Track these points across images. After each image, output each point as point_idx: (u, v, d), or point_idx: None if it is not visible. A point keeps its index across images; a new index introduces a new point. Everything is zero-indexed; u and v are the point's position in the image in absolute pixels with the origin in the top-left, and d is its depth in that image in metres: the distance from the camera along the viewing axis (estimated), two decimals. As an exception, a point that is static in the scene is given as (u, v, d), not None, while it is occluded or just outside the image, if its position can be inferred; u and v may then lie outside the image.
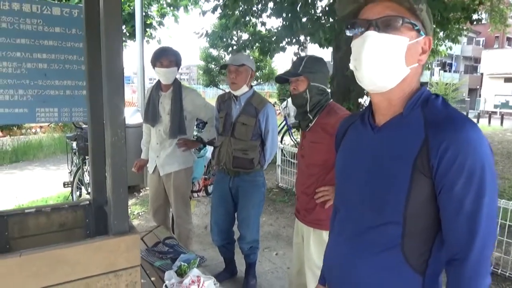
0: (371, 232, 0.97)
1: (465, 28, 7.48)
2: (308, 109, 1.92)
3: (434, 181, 0.87)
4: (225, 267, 3.04)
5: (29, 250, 1.24)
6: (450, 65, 34.57)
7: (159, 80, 2.87)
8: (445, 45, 8.05)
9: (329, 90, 1.99)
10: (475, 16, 6.13)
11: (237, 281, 2.94)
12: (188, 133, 2.92)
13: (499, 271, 3.12)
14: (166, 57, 2.73)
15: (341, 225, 1.10)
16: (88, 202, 1.82)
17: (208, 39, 7.87)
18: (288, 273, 3.13)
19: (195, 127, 4.02)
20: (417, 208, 0.90)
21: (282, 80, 2.00)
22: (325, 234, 1.92)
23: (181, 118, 2.79)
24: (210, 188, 5.03)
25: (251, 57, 2.79)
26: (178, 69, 2.84)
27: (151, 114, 2.84)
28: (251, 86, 2.72)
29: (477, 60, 34.33)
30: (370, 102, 1.05)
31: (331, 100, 1.99)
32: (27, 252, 1.22)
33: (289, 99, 8.96)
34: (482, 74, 28.86)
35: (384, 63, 0.90)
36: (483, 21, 7.04)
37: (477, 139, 0.84)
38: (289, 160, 5.73)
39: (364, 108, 1.09)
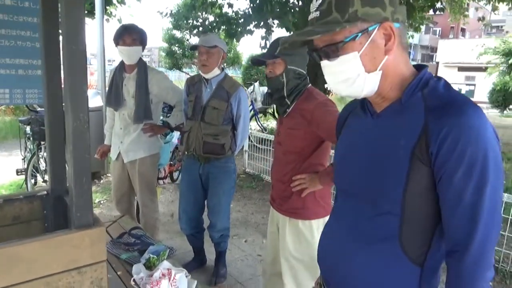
0: (368, 222, 0.93)
1: (426, 17, 7.68)
2: (285, 94, 1.83)
3: (433, 169, 0.83)
4: (194, 257, 2.96)
5: (-22, 248, 1.10)
6: (408, 53, 35.71)
7: (122, 61, 2.68)
8: (408, 33, 8.25)
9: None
10: (438, 5, 6.30)
11: (206, 271, 2.87)
12: (154, 117, 2.76)
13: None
14: (129, 35, 2.55)
15: (339, 213, 1.06)
16: (45, 192, 1.66)
17: (172, 19, 7.59)
18: (261, 261, 3.11)
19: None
20: (415, 198, 0.85)
21: (258, 62, 1.91)
22: (301, 224, 1.87)
23: (146, 101, 2.63)
24: (175, 175, 4.90)
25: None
26: (143, 49, 2.67)
27: (114, 97, 2.66)
28: (223, 69, 2.61)
29: (434, 49, 35.72)
30: None
31: (310, 85, 1.91)
32: (-24, 250, 1.09)
33: (256, 84, 8.87)
34: (438, 63, 30.04)
35: (348, 81, 0.90)
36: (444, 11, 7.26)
37: (480, 124, 0.79)
38: (255, 146, 5.68)
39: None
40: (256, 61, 1.92)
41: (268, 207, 4.33)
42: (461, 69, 27.55)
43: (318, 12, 0.88)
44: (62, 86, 1.87)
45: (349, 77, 0.89)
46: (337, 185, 1.09)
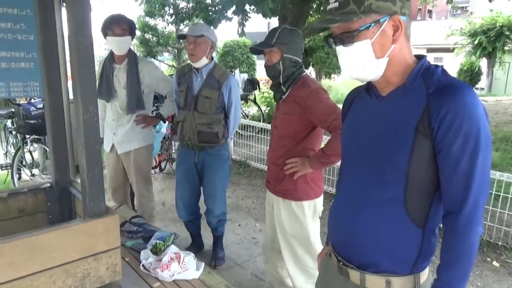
0: (375, 190, 1.05)
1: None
2: (281, 81, 1.92)
3: (434, 143, 0.96)
4: (192, 242, 3.03)
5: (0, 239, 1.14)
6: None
7: (111, 52, 2.67)
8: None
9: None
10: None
11: (205, 255, 2.94)
12: (147, 108, 2.78)
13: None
14: (118, 25, 2.54)
15: (345, 187, 1.18)
16: (49, 184, 1.70)
17: (147, 6, 7.44)
18: (256, 243, 3.23)
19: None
20: (418, 167, 0.98)
21: (257, 51, 1.97)
22: (294, 204, 1.98)
23: (138, 91, 2.64)
24: (163, 164, 4.93)
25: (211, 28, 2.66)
26: (132, 38, 2.67)
27: (105, 89, 2.65)
28: (212, 58, 2.64)
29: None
30: None
31: (305, 72, 1.99)
32: (-3, 241, 1.13)
33: (236, 71, 8.87)
34: (408, 44, 30.49)
35: (359, 65, 1.03)
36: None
37: (473, 103, 0.92)
38: (239, 132, 5.74)
39: None
40: (254, 50, 1.98)
41: (256, 192, 4.48)
42: (429, 50, 28.21)
43: (337, 3, 1.00)
44: (66, 79, 1.88)
45: (361, 61, 1.02)
46: (345, 163, 1.22)
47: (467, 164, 0.93)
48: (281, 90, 1.94)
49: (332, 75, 14.79)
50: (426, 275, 1.09)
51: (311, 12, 6.14)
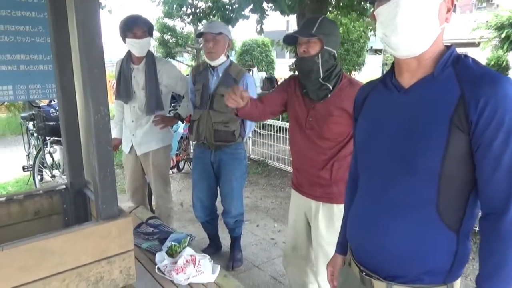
0: (403, 192, 0.96)
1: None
2: (321, 76, 1.74)
3: (471, 137, 0.87)
4: (210, 243, 3.01)
5: (11, 242, 1.13)
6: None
7: (128, 53, 2.66)
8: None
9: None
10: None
11: (222, 256, 2.92)
12: (165, 108, 2.76)
13: None
14: (138, 27, 2.52)
15: (366, 189, 1.08)
16: (64, 186, 1.69)
17: (165, 7, 7.49)
18: (275, 244, 3.17)
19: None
20: (453, 165, 0.90)
21: (290, 40, 1.79)
22: (336, 208, 1.84)
23: (157, 92, 2.62)
24: (181, 164, 4.93)
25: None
26: (151, 39, 2.66)
27: (124, 90, 2.64)
28: (228, 56, 2.60)
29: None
30: (392, 65, 1.04)
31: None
32: (9, 245, 1.11)
33: (254, 69, 8.83)
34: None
35: (420, 26, 0.90)
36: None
37: None
38: (258, 132, 5.69)
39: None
40: (289, 39, 1.80)
41: (275, 192, 4.42)
42: (455, 45, 27.52)
43: None
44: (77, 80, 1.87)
45: (424, 19, 0.89)
46: (362, 162, 1.12)
47: (510, 160, 0.84)
48: (326, 88, 1.76)
49: (352, 73, 14.58)
50: (459, 284, 1.00)
51: (329, 9, 6.04)
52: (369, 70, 16.58)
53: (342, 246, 1.27)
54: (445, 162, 0.89)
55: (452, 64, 0.93)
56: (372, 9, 1.01)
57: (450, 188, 0.91)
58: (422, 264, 0.96)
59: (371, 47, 16.66)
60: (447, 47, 0.97)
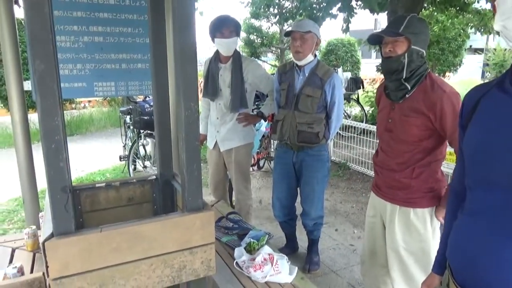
0: None
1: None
2: (404, 76, 1.67)
3: None
4: (286, 243, 3.00)
5: (109, 225, 1.22)
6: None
7: (217, 52, 2.75)
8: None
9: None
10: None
11: (299, 257, 2.89)
12: (249, 106, 2.81)
13: None
14: (226, 27, 2.60)
15: (475, 206, 0.96)
16: (154, 177, 1.81)
17: (252, 8, 7.65)
18: (354, 251, 3.07)
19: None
20: None
21: (375, 40, 1.74)
22: (412, 213, 1.75)
23: (242, 90, 2.68)
24: (261, 162, 5.01)
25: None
26: (238, 38, 2.72)
27: (211, 88, 2.74)
28: (315, 55, 2.55)
29: None
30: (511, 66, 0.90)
31: (429, 69, 1.73)
32: (107, 228, 1.21)
33: (339, 70, 8.63)
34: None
35: None
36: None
37: None
38: (340, 133, 5.55)
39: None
40: (373, 39, 1.75)
41: (356, 197, 4.27)
42: None
43: None
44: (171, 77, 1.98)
45: None
46: (475, 175, 0.99)
47: None
48: (404, 88, 1.68)
49: (447, 74, 13.46)
50: None
51: (425, 5, 5.64)
52: (467, 71, 15.21)
53: (441, 266, 1.16)
54: None
55: None
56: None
57: None
58: None
59: (470, 46, 15.23)
60: None
